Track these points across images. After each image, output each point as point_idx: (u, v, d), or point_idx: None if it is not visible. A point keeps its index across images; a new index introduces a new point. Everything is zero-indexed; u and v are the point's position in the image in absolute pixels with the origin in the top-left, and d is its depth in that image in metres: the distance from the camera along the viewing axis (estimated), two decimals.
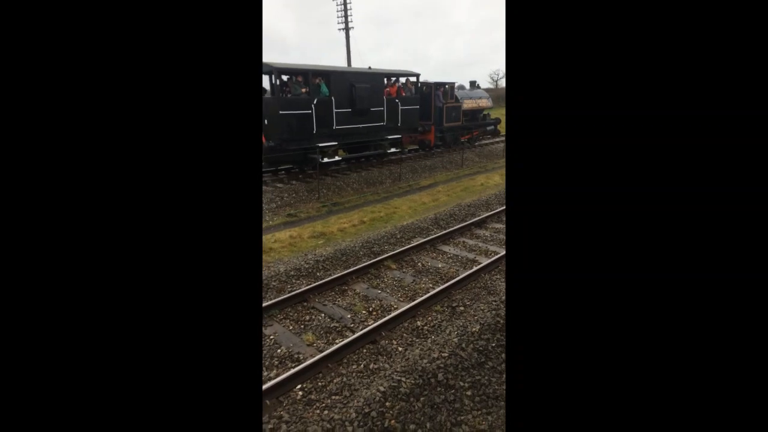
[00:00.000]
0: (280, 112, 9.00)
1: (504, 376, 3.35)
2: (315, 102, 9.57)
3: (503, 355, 3.56)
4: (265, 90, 9.81)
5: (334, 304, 4.49)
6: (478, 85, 16.69)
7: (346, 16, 23.68)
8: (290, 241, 6.44)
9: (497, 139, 17.49)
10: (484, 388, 3.20)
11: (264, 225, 7.47)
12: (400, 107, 11.74)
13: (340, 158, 11.05)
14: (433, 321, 4.13)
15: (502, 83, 44.18)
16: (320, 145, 10.03)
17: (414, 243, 6.12)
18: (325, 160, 10.36)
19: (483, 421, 2.92)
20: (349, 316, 4.23)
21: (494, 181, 10.88)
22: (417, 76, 12.37)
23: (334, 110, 10.04)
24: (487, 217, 7.33)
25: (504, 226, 7.04)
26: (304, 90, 9.51)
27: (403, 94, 11.99)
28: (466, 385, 3.20)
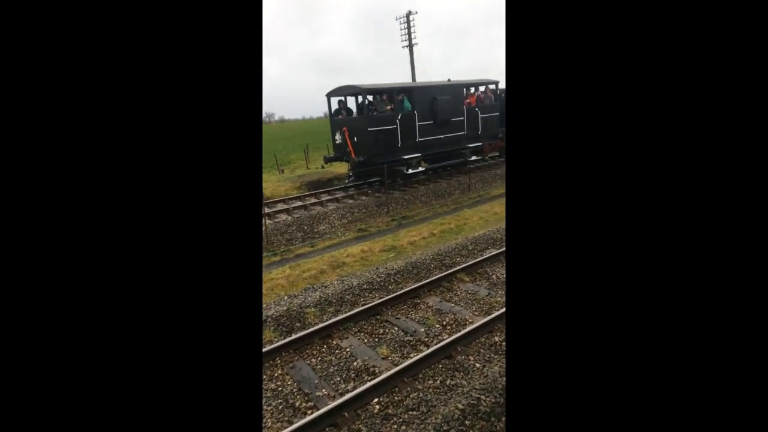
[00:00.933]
0: (368, 129, 9.68)
1: None
2: (399, 117, 10.16)
3: None
4: (352, 111, 10.80)
5: (407, 317, 4.46)
6: None
7: (409, 34, 24.15)
8: (362, 256, 6.57)
9: None
10: None
11: (336, 240, 7.73)
12: (480, 115, 11.97)
13: (423, 168, 11.52)
14: None
15: None
16: (405, 157, 10.55)
17: (487, 254, 5.90)
18: (410, 171, 10.89)
19: None
20: (422, 329, 4.18)
21: None
22: (496, 83, 12.52)
23: (417, 123, 10.55)
24: None
25: None
26: (388, 107, 10.21)
27: (483, 101, 12.23)
28: None
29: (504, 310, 4.21)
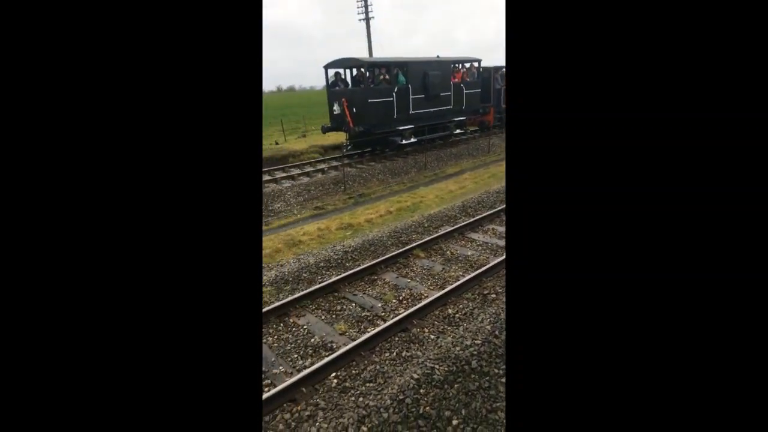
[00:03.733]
0: (369, 100, 10.27)
1: None
2: (396, 90, 10.78)
3: None
4: (348, 83, 11.09)
5: (365, 293, 4.52)
6: None
7: (366, 6, 23.52)
8: (318, 234, 6.51)
9: None
10: None
11: (292, 218, 7.59)
12: (464, 91, 12.73)
13: (415, 140, 12.08)
14: (465, 309, 4.09)
15: None
16: (400, 128, 11.29)
17: (442, 231, 6.06)
18: (403, 141, 11.65)
19: None
20: (379, 305, 4.25)
21: None
22: (479, 61, 13.32)
23: (411, 97, 11.24)
24: None
25: None
26: (382, 78, 10.74)
27: (467, 78, 12.90)
28: (501, 372, 3.16)
29: (457, 283, 4.37)
